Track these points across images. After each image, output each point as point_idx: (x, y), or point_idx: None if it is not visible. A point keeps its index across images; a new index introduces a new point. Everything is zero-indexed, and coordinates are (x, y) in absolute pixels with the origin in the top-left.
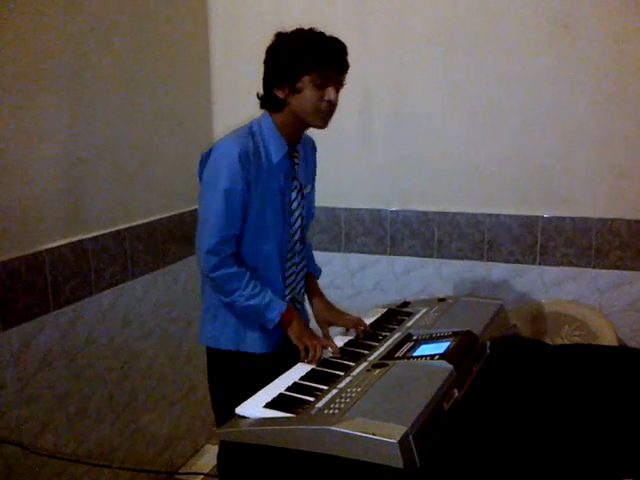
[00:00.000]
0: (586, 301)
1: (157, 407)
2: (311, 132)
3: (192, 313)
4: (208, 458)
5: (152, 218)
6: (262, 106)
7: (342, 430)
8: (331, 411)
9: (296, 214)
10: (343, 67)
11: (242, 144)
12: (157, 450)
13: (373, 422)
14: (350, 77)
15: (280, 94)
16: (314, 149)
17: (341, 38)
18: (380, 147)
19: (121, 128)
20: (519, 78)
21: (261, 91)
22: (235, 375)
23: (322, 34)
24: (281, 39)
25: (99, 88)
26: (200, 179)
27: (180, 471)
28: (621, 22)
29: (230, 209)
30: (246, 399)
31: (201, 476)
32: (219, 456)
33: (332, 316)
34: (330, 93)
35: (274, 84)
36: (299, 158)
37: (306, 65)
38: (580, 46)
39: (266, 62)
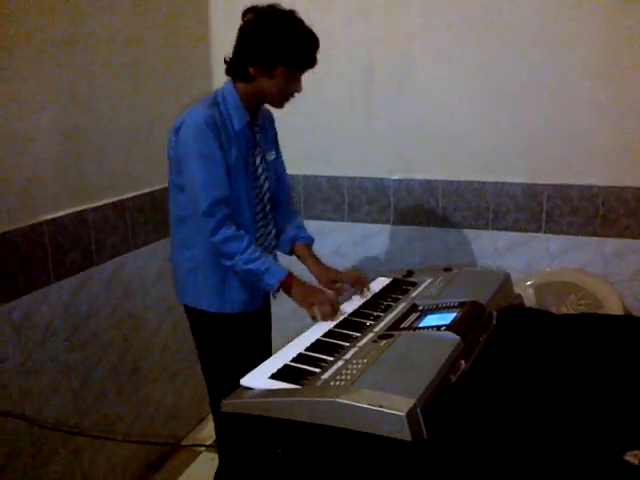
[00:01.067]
0: (592, 270)
1: (160, 378)
2: (312, 101)
3: None
4: (212, 428)
5: (153, 188)
6: (227, 72)
7: (349, 402)
8: (337, 383)
9: (262, 178)
10: (314, 64)
11: (208, 114)
12: (161, 420)
13: (380, 394)
14: (353, 46)
15: (252, 71)
16: (272, 119)
17: (343, 8)
18: (383, 116)
19: (121, 95)
20: (524, 45)
21: (230, 55)
22: (217, 334)
23: (304, 27)
24: (266, 21)
25: (98, 55)
26: (171, 150)
27: (185, 441)
28: None
29: (210, 171)
30: (231, 358)
31: (203, 448)
32: (218, 428)
33: (335, 274)
34: (298, 85)
35: (249, 60)
36: (259, 126)
37: (286, 59)
38: (582, 11)
39: (244, 36)
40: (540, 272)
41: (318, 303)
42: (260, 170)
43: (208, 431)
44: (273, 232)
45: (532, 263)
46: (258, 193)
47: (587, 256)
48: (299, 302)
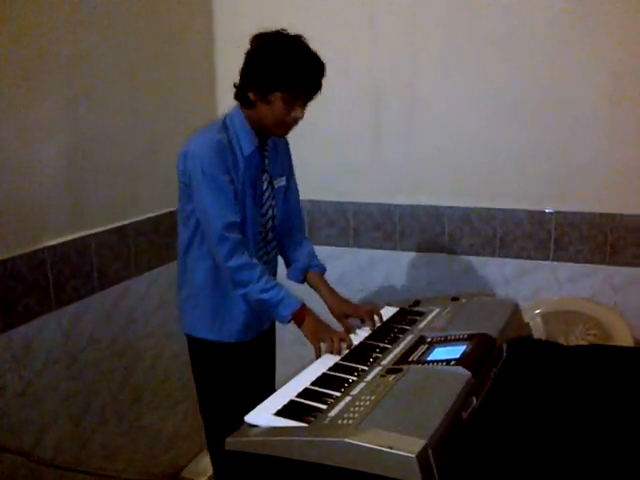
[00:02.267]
0: (601, 299)
1: (161, 406)
2: (317, 125)
3: None
4: None
5: (156, 213)
6: (235, 97)
7: (357, 443)
8: (345, 421)
9: (267, 204)
10: (315, 90)
11: (216, 138)
12: (161, 450)
13: (390, 434)
14: (360, 69)
15: (251, 96)
16: (286, 143)
17: (351, 29)
18: (390, 141)
19: (124, 121)
20: (534, 71)
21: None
22: (212, 362)
23: (303, 51)
24: (263, 46)
25: (101, 81)
26: (180, 176)
27: (185, 471)
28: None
29: (220, 196)
30: (226, 385)
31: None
32: (216, 464)
33: (349, 309)
34: (298, 111)
35: (248, 85)
36: (268, 151)
37: (280, 83)
38: (597, 39)
39: (247, 61)
40: (548, 300)
41: (328, 340)
42: (266, 196)
43: (209, 461)
44: (274, 261)
45: (540, 291)
46: (261, 220)
47: (596, 285)
48: (308, 337)
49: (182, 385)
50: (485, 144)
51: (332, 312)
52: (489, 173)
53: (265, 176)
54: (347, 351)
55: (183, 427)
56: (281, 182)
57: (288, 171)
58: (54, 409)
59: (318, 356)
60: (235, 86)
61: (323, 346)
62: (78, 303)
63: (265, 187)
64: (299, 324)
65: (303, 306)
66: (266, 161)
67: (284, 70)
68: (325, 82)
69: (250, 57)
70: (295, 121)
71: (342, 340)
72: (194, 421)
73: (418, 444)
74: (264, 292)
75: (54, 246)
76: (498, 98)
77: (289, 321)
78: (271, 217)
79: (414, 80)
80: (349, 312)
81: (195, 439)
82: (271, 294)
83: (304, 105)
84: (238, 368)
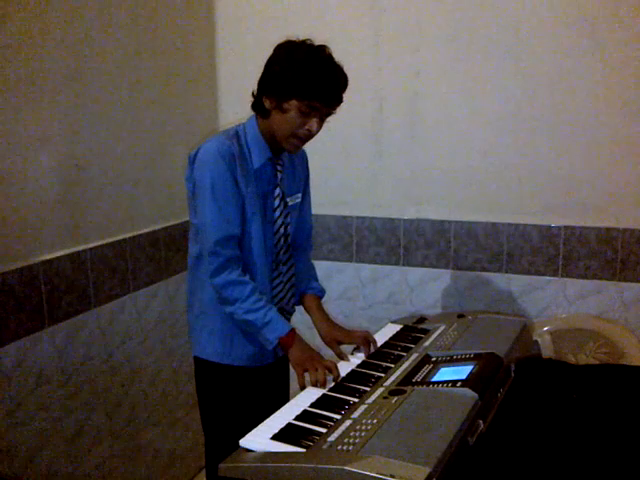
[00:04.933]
0: (611, 316)
1: (158, 425)
2: (320, 138)
3: None
4: None
5: (154, 227)
6: (253, 106)
7: (358, 471)
8: (345, 447)
9: (279, 222)
10: (335, 102)
11: (226, 145)
12: (159, 470)
13: (392, 461)
14: (364, 84)
15: (267, 104)
16: (305, 159)
17: (354, 45)
18: (393, 154)
19: (122, 134)
20: (540, 84)
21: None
22: (220, 387)
23: (326, 61)
24: (286, 52)
25: (99, 92)
26: (187, 183)
27: None
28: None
29: (221, 206)
30: (233, 413)
31: None
32: None
33: (340, 334)
34: (313, 124)
35: (265, 92)
36: (283, 166)
37: (298, 91)
38: (606, 49)
39: (266, 68)
40: (557, 318)
41: (312, 369)
42: (277, 213)
43: None
44: (292, 280)
45: (548, 308)
46: (272, 238)
47: (606, 301)
48: (293, 364)
49: (180, 402)
50: (491, 157)
51: (322, 338)
52: (495, 187)
53: (277, 192)
54: (333, 384)
55: (181, 447)
56: (296, 199)
57: (304, 187)
58: (46, 429)
59: (302, 387)
60: (253, 95)
61: (307, 376)
62: (73, 319)
63: (277, 204)
64: (285, 350)
65: (291, 331)
66: (279, 176)
67: (302, 76)
68: None
69: (270, 63)
70: (309, 135)
71: (329, 371)
72: (193, 439)
73: (422, 472)
74: (250, 313)
75: (49, 260)
76: (504, 112)
77: (275, 347)
78: (283, 235)
79: (417, 94)
80: (340, 338)
81: (194, 458)
82: (257, 316)
83: (321, 118)
84: (249, 394)
